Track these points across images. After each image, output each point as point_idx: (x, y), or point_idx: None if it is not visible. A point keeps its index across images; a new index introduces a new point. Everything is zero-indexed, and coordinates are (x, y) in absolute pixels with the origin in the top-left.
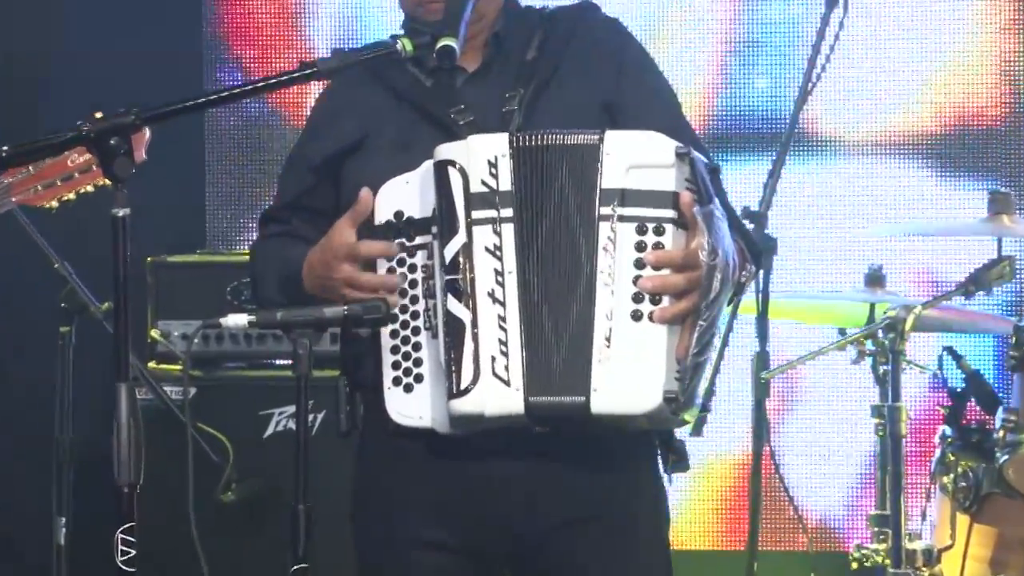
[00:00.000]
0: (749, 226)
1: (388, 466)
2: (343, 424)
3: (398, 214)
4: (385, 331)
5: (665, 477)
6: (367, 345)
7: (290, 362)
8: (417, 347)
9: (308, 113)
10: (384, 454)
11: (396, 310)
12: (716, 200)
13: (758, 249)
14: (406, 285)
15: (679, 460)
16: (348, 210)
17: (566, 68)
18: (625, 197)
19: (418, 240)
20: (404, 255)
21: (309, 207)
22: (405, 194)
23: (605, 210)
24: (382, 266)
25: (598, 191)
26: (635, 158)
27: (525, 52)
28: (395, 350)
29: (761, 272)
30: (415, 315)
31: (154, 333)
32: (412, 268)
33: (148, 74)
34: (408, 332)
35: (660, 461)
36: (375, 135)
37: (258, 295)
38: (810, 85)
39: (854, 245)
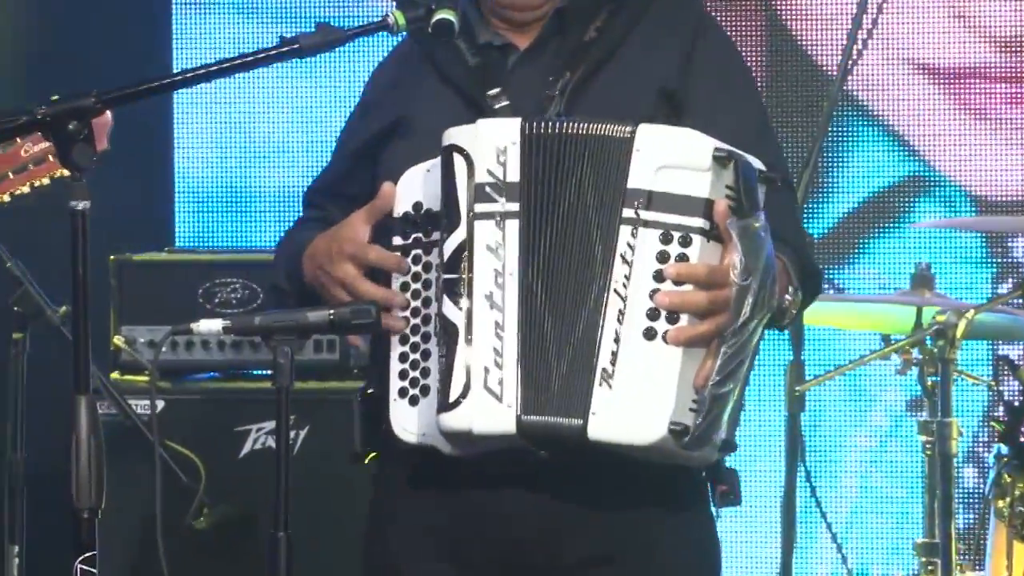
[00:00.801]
0: None
1: (395, 490)
2: (357, 445)
3: (417, 206)
4: (395, 337)
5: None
6: (380, 352)
7: (269, 372)
8: (426, 355)
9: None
10: (392, 476)
11: (407, 313)
12: (761, 213)
13: (815, 270)
14: (419, 285)
15: (728, 492)
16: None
17: (626, 52)
18: (651, 200)
19: (435, 236)
20: (420, 251)
21: (344, 193)
22: (425, 183)
23: (628, 212)
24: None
25: (622, 191)
26: (667, 157)
27: (585, 31)
28: (403, 357)
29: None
30: (427, 319)
31: (117, 340)
32: (428, 267)
33: (112, 54)
34: (418, 338)
35: (709, 494)
36: (414, 118)
37: (271, 281)
38: (850, 62)
39: (899, 243)
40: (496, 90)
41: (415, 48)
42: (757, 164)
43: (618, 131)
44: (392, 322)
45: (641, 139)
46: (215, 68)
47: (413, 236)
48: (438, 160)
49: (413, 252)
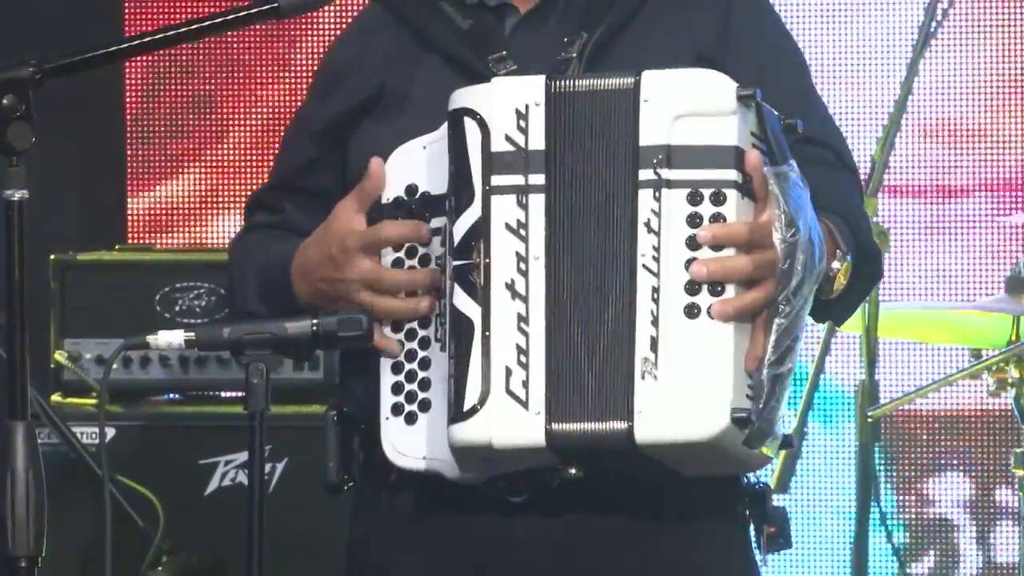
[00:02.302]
0: None
1: (385, 530)
2: (332, 474)
3: (411, 188)
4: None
5: (759, 557)
6: (364, 363)
7: (240, 394)
8: (425, 364)
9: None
10: (381, 513)
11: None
12: (793, 162)
13: (872, 249)
14: None
15: (778, 534)
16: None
17: (651, 11)
18: (671, 156)
19: (435, 223)
20: (416, 242)
21: (307, 188)
22: (420, 162)
23: (646, 174)
24: (386, 258)
25: (635, 150)
26: (684, 104)
27: None
28: (397, 368)
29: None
30: (424, 322)
31: (59, 356)
32: (425, 260)
33: (52, 14)
34: (415, 344)
35: (752, 535)
36: (390, 91)
37: (235, 308)
38: (933, 23)
39: (992, 239)
40: (502, 53)
41: (383, 15)
42: (772, 110)
43: (620, 82)
44: (423, 304)
45: (648, 87)
46: (176, 32)
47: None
48: (436, 134)
49: (408, 244)
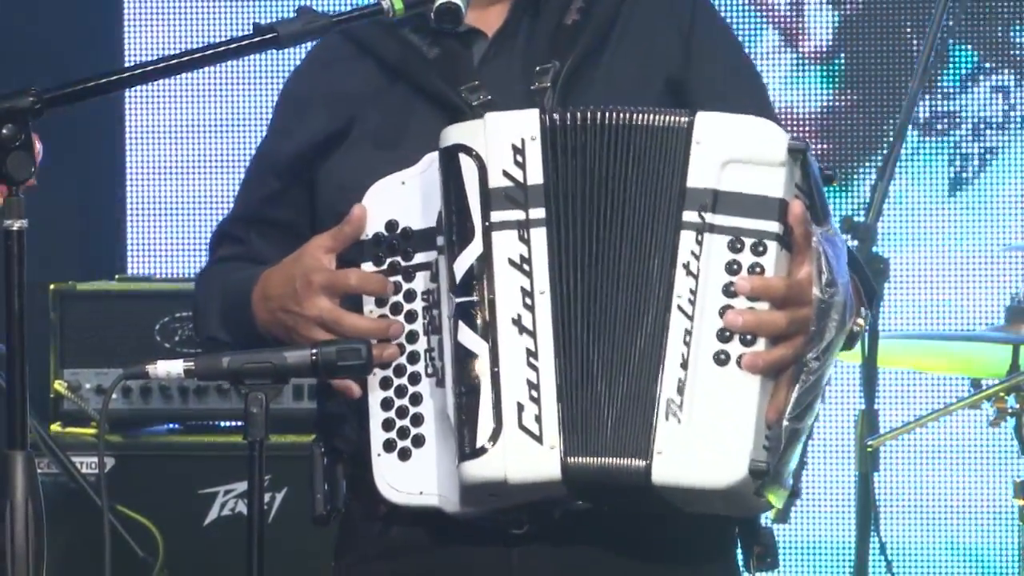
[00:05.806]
0: (851, 242)
1: (376, 563)
2: (319, 506)
3: (391, 224)
4: (373, 379)
5: None
6: (350, 399)
7: (240, 424)
8: (416, 399)
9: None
10: (373, 547)
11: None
12: (832, 219)
13: (874, 289)
14: (402, 318)
15: (766, 554)
16: (329, 221)
17: (617, 35)
18: (718, 201)
19: (418, 259)
20: (399, 278)
21: (272, 220)
22: (400, 198)
23: (690, 216)
24: (367, 300)
25: (681, 191)
26: (735, 150)
27: (564, 14)
28: (387, 404)
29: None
30: (414, 357)
31: (59, 386)
32: (410, 296)
33: (52, 43)
34: (404, 380)
35: (741, 556)
36: (360, 123)
37: (199, 335)
38: (932, 54)
39: (992, 269)
40: (475, 83)
41: (345, 46)
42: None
43: (673, 120)
44: (388, 351)
45: (701, 129)
46: (176, 61)
47: (389, 261)
48: (416, 169)
49: (391, 280)
